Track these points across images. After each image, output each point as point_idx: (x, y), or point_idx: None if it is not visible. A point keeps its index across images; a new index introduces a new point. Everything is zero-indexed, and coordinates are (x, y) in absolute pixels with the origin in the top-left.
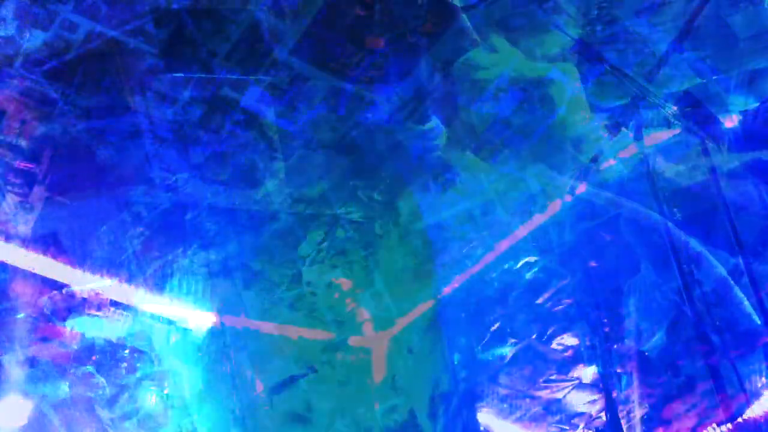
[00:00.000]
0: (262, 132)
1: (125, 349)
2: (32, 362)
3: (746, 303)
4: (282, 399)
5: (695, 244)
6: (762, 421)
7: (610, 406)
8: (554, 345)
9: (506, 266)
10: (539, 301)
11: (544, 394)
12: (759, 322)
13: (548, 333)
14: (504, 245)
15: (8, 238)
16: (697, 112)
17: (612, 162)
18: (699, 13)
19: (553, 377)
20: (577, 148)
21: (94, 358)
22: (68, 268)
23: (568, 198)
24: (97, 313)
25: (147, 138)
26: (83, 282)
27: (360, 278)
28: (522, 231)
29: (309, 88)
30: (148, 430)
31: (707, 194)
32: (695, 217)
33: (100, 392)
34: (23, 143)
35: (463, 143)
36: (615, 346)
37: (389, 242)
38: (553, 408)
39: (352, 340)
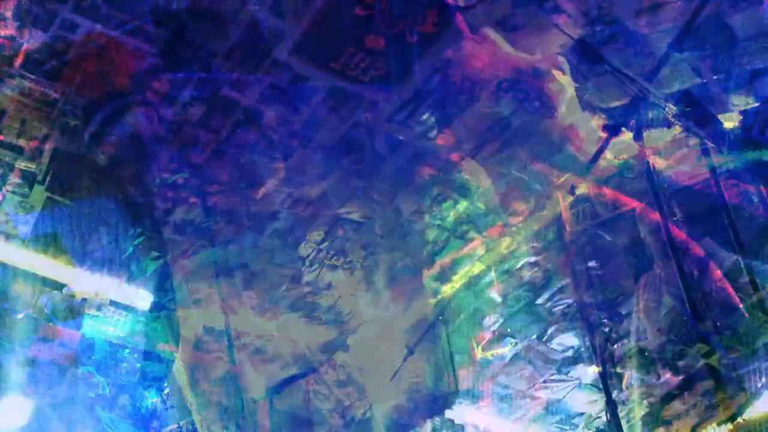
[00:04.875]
0: (262, 132)
1: (125, 349)
2: (32, 362)
3: (746, 303)
4: (282, 399)
5: (695, 244)
6: (762, 420)
7: (610, 406)
8: (554, 345)
9: (506, 266)
10: (539, 301)
11: (544, 394)
12: (759, 322)
13: (548, 333)
14: (504, 245)
15: (8, 238)
16: (697, 112)
17: (612, 162)
18: (699, 13)
19: (553, 377)
20: (577, 148)
21: (94, 358)
22: (68, 268)
23: (568, 198)
24: (97, 313)
25: (147, 138)
26: (83, 282)
27: (360, 278)
28: (522, 231)
29: (309, 88)
30: (148, 430)
31: (707, 194)
32: (695, 217)
33: (100, 392)
34: (23, 143)
35: (463, 143)
36: (615, 346)
37: (389, 242)
38: (553, 408)
39: (352, 340)
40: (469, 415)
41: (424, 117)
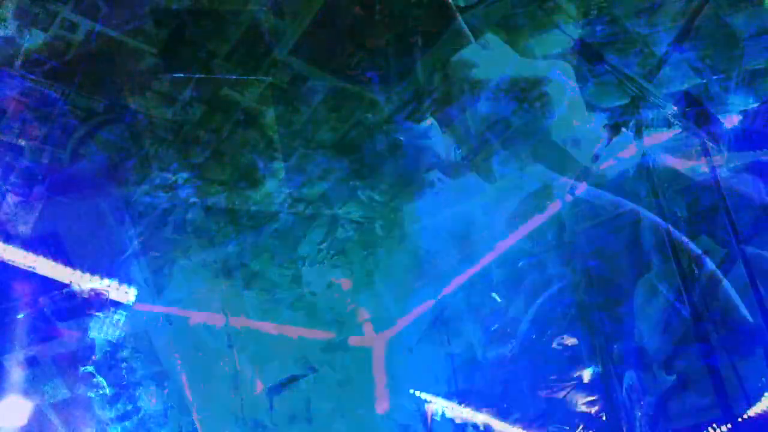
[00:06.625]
0: (262, 132)
1: (125, 349)
2: (32, 362)
3: (745, 303)
4: (282, 399)
5: (695, 244)
6: (762, 421)
7: (610, 406)
8: (554, 345)
9: (506, 266)
10: (539, 301)
11: (544, 394)
12: (758, 321)
13: (548, 333)
14: (504, 245)
15: (8, 238)
16: (697, 112)
17: (612, 162)
18: (699, 13)
19: (553, 377)
20: (577, 148)
21: (94, 358)
22: (68, 268)
23: (568, 198)
24: (97, 313)
25: (147, 138)
26: (83, 282)
27: (360, 278)
28: (522, 231)
29: (309, 88)
30: (148, 430)
31: (707, 194)
32: (695, 217)
33: (100, 392)
34: (23, 143)
35: (463, 143)
36: (615, 346)
37: (389, 242)
38: (553, 408)
39: (352, 340)
40: (469, 415)
41: (424, 117)
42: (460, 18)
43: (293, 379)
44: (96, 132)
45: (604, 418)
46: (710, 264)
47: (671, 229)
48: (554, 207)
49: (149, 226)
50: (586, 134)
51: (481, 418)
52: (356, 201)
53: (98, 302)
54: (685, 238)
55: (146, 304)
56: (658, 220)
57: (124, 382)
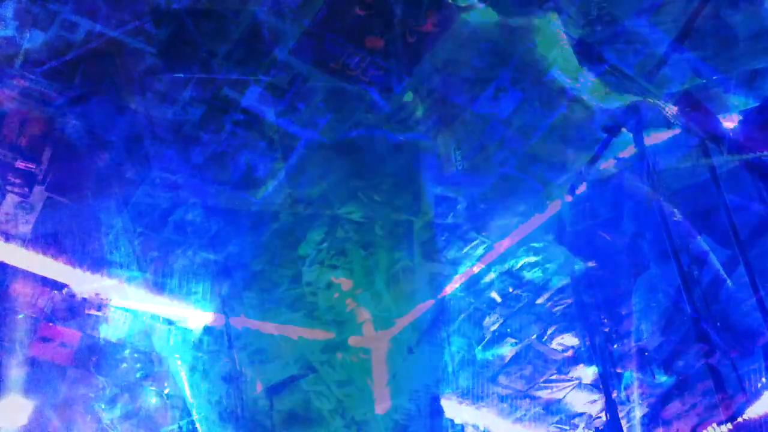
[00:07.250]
0: (262, 132)
1: (125, 349)
2: (32, 362)
3: (745, 303)
4: (282, 399)
5: (695, 244)
6: (762, 421)
7: (610, 406)
8: (554, 345)
9: (506, 266)
10: (539, 301)
11: (544, 394)
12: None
13: (548, 333)
14: (504, 245)
15: (8, 238)
16: (697, 112)
17: (612, 162)
18: (699, 13)
19: (553, 377)
20: (577, 148)
21: (94, 358)
22: (68, 268)
23: (568, 198)
24: (97, 313)
25: (147, 138)
26: (83, 282)
27: (360, 278)
28: (522, 231)
29: (309, 88)
30: (148, 430)
31: (707, 194)
32: (695, 217)
33: (100, 392)
34: (23, 143)
35: (463, 143)
36: (615, 346)
37: (389, 242)
38: (553, 408)
39: (352, 340)
40: (469, 415)
41: (424, 117)
42: (461, 15)
43: (293, 379)
44: (96, 132)
45: (604, 418)
46: (711, 264)
47: (671, 228)
48: (554, 207)
49: (149, 226)
50: (586, 134)
51: (481, 418)
52: (356, 201)
53: (98, 302)
54: (685, 239)
55: (146, 304)
56: (658, 219)
57: (124, 382)
